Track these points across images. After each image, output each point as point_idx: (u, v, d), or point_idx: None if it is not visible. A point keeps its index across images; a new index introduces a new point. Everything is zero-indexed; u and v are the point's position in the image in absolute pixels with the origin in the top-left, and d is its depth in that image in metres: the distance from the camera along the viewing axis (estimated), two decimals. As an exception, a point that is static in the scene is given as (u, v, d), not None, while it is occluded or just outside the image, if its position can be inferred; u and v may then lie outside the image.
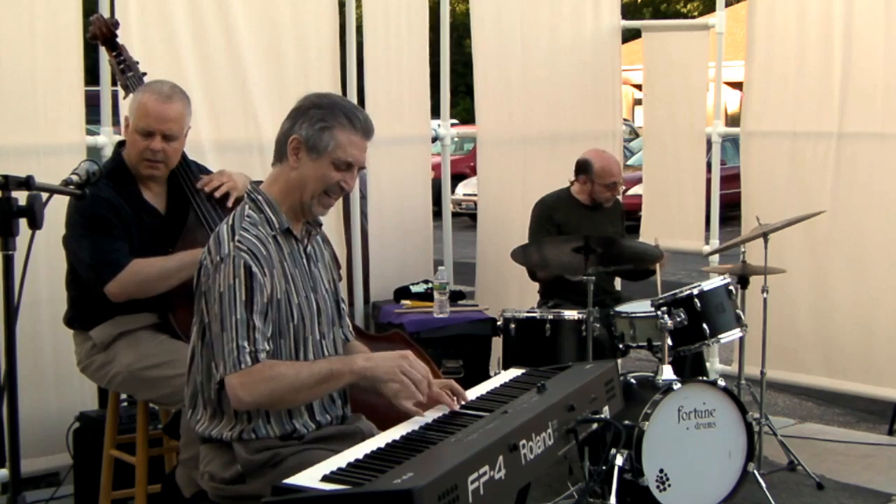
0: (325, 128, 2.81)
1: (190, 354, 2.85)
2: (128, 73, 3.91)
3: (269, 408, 2.77)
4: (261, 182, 2.94)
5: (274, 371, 2.70)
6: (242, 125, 4.96)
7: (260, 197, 2.86)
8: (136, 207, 3.66)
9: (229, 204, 3.72)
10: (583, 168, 5.30)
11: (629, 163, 13.32)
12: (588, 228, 5.15)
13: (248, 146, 4.96)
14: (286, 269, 2.82)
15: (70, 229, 3.64)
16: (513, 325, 4.70)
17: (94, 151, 4.56)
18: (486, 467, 2.23)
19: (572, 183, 5.40)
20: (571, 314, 4.64)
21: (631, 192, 8.60)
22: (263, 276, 2.72)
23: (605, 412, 2.94)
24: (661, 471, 4.10)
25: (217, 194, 3.73)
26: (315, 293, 2.90)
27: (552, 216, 5.29)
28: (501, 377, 3.14)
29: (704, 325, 4.54)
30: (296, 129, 2.83)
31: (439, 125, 5.93)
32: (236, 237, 2.74)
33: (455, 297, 5.43)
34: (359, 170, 2.91)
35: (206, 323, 2.75)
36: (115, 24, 3.97)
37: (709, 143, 6.47)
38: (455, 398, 2.81)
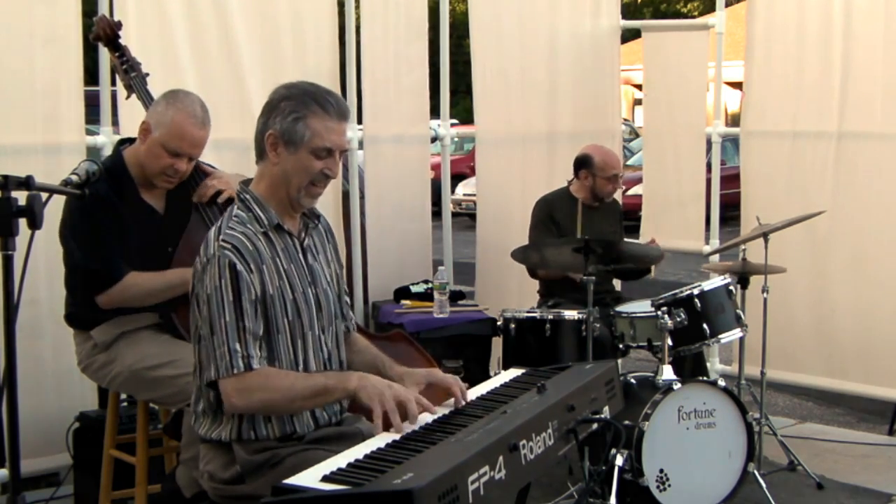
0: (297, 118, 2.77)
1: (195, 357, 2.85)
2: (131, 73, 3.92)
3: (261, 414, 2.78)
4: (251, 180, 2.93)
5: (269, 381, 2.70)
6: (239, 124, 4.96)
7: (248, 196, 2.85)
8: (134, 207, 3.66)
9: (220, 200, 3.72)
10: (583, 163, 5.30)
11: (629, 163, 13.31)
12: (587, 227, 5.16)
13: (244, 145, 4.94)
14: (279, 264, 2.80)
15: (66, 227, 3.65)
16: (513, 325, 4.69)
17: (94, 151, 4.57)
18: (486, 467, 2.23)
19: (570, 182, 5.40)
20: (571, 314, 4.64)
21: (631, 192, 8.60)
22: (250, 272, 2.71)
23: (605, 412, 2.94)
24: (661, 471, 4.10)
25: (220, 200, 3.73)
26: (314, 287, 2.88)
27: (552, 214, 5.29)
28: (501, 377, 3.14)
29: (704, 325, 4.54)
30: (270, 125, 2.80)
31: (439, 125, 5.93)
32: (221, 236, 2.74)
33: (455, 297, 5.43)
34: (341, 154, 2.87)
35: (198, 325, 2.75)
36: (118, 25, 3.98)
37: (709, 143, 6.47)
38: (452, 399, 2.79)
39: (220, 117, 4.85)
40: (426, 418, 2.65)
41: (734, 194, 6.23)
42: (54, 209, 3.38)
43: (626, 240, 5.35)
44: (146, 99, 3.85)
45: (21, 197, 2.67)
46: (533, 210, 5.40)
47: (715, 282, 4.67)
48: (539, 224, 5.33)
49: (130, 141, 3.76)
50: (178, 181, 3.70)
